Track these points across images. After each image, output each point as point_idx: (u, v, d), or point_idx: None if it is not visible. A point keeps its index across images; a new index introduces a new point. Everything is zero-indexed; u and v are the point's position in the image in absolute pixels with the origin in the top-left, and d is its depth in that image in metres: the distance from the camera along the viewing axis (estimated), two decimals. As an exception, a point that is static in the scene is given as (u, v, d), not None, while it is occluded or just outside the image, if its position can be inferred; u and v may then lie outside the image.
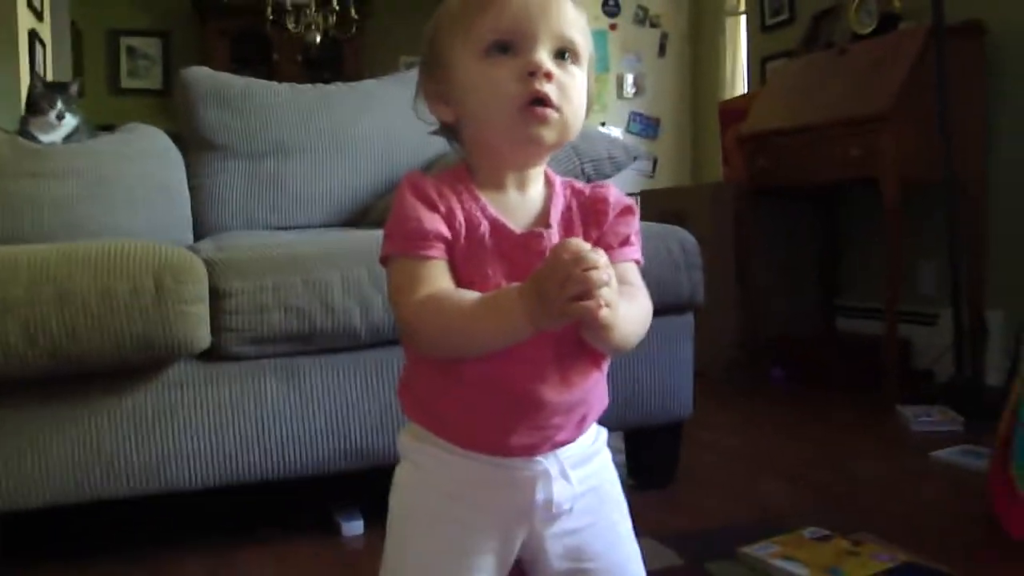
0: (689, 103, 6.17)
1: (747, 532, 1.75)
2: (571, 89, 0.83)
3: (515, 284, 0.76)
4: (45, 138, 2.35)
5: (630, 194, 4.29)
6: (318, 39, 6.10)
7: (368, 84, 2.79)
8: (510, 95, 0.81)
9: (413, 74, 3.00)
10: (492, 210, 0.84)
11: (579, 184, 0.91)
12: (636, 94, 6.09)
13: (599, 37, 5.54)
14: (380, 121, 2.64)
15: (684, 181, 6.07)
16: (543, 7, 0.82)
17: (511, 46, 0.82)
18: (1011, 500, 1.70)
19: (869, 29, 3.32)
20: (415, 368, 0.89)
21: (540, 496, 0.85)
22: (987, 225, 3.10)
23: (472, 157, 0.88)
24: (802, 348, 3.55)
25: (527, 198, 0.88)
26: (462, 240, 0.82)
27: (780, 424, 2.83)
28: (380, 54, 7.14)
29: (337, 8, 5.93)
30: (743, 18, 5.16)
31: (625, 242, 0.89)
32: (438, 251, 0.82)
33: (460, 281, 0.82)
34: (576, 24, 0.84)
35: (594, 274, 0.70)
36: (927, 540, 1.73)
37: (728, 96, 5.63)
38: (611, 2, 6.00)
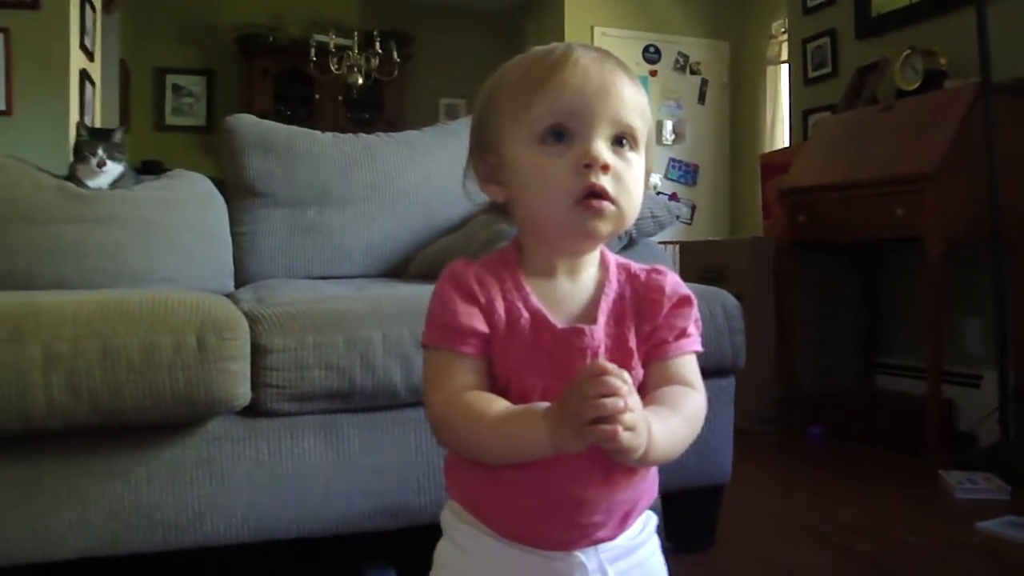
0: (728, 151, 6.18)
1: (787, 604, 1.72)
2: (628, 179, 0.81)
3: (542, 403, 0.74)
4: (92, 183, 2.38)
5: (668, 243, 4.28)
6: (360, 80, 6.18)
7: (410, 135, 2.80)
8: (565, 188, 0.79)
9: (454, 125, 3.00)
10: (535, 301, 0.82)
11: (635, 267, 0.89)
12: (675, 141, 6.11)
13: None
14: (421, 171, 2.65)
15: (722, 228, 6.06)
16: (603, 89, 0.80)
17: (567, 132, 0.80)
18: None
19: (914, 86, 3.30)
20: (455, 455, 0.88)
21: None
22: (1034, 286, 3.05)
23: (523, 239, 0.86)
24: (841, 406, 3.49)
25: (578, 285, 0.85)
26: (501, 332, 0.81)
27: (819, 485, 2.78)
28: (421, 96, 7.21)
29: (380, 51, 6.01)
30: (785, 69, 5.16)
31: (682, 334, 0.86)
32: (471, 347, 0.80)
33: (498, 374, 0.81)
34: (636, 108, 0.82)
35: (609, 402, 0.68)
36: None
37: (768, 146, 5.64)
38: (652, 48, 6.03)
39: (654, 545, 0.91)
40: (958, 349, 3.30)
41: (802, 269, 3.57)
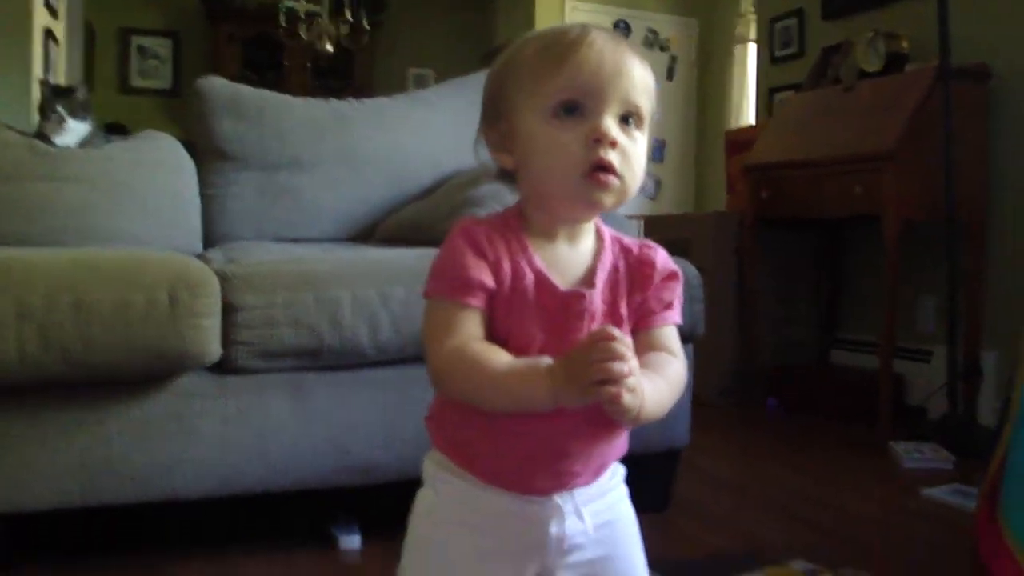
0: (695, 128, 6.22)
1: (738, 563, 1.78)
2: (633, 155, 0.85)
3: (545, 358, 0.79)
4: (59, 141, 2.37)
5: (633, 217, 4.34)
6: (329, 48, 6.13)
7: (380, 102, 2.82)
8: (574, 160, 0.83)
9: (425, 93, 3.03)
10: (539, 262, 0.86)
11: (627, 240, 0.94)
12: (642, 116, 6.11)
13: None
14: (391, 138, 2.68)
15: (687, 203, 6.12)
16: (616, 69, 0.84)
17: (580, 107, 0.84)
18: (998, 545, 1.73)
19: (877, 67, 3.36)
20: (447, 404, 0.91)
21: (553, 531, 0.88)
22: (985, 266, 3.14)
23: (527, 205, 0.90)
24: (798, 379, 3.58)
25: (577, 251, 0.90)
26: (506, 289, 0.85)
27: (774, 455, 2.86)
28: (390, 65, 7.19)
29: (350, 18, 5.97)
30: (753, 49, 5.21)
31: (668, 307, 0.92)
32: (478, 300, 0.84)
33: (497, 329, 0.85)
34: (644, 89, 0.86)
35: (616, 366, 0.73)
36: (915, 579, 1.77)
37: (734, 124, 5.69)
38: (622, 24, 6.05)
39: (623, 492, 0.97)
40: (912, 326, 3.39)
41: (764, 245, 3.64)
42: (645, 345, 0.90)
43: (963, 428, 2.87)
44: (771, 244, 3.69)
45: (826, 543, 1.99)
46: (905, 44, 3.36)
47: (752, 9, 5.38)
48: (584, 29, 0.87)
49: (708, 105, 6.18)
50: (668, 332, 0.92)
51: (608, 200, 0.85)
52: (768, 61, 4.48)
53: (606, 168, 0.83)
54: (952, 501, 2.29)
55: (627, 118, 0.86)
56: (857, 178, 3.07)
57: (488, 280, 0.84)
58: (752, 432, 3.25)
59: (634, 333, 0.91)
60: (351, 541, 1.89)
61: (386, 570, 1.75)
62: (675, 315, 0.93)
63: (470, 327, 0.84)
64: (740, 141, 4.36)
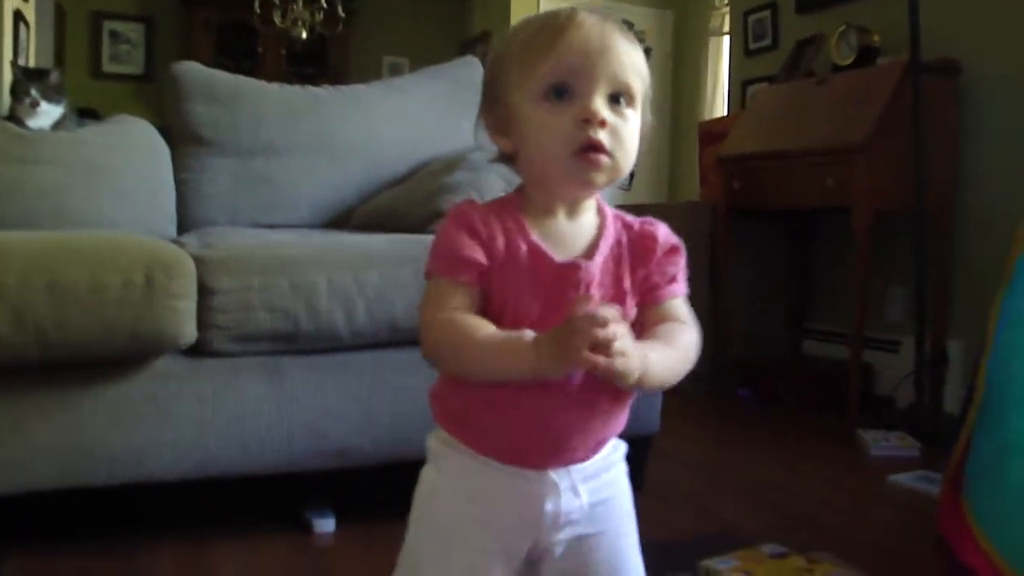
0: (669, 119, 6.25)
1: (708, 546, 1.81)
2: (624, 134, 0.87)
3: (530, 332, 0.81)
4: (32, 124, 2.36)
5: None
6: (304, 35, 6.10)
7: (356, 88, 2.82)
8: (565, 141, 0.85)
9: (400, 80, 3.04)
10: (535, 237, 0.88)
11: (629, 218, 0.96)
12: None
13: (584, 50, 5.60)
14: (367, 125, 2.68)
15: (660, 195, 6.15)
16: (602, 51, 0.86)
17: (569, 89, 0.86)
18: (961, 527, 1.77)
19: (848, 61, 3.40)
20: (446, 380, 0.94)
21: (549, 507, 0.90)
22: (953, 257, 3.19)
23: (527, 185, 0.93)
24: (768, 369, 3.62)
25: (579, 226, 0.92)
26: (499, 263, 0.87)
27: (745, 442, 2.90)
28: (364, 53, 7.16)
29: (325, 5, 5.94)
30: (727, 41, 5.24)
31: (672, 280, 0.94)
32: (469, 277, 0.86)
33: (494, 302, 0.87)
34: (633, 67, 0.88)
35: (600, 332, 0.75)
36: (880, 561, 1.80)
37: (708, 116, 5.72)
38: (597, 15, 6.04)
39: (622, 468, 0.99)
40: (881, 317, 3.44)
41: (737, 236, 3.68)
42: (655, 318, 0.93)
43: (929, 417, 2.92)
44: (744, 235, 3.72)
45: (796, 527, 2.03)
46: (876, 38, 3.40)
47: (726, 2, 5.41)
48: (572, 12, 0.88)
49: (682, 96, 6.21)
50: (676, 304, 0.95)
51: (600, 179, 0.87)
52: (742, 53, 4.52)
53: (596, 147, 0.85)
54: (918, 487, 2.33)
55: (617, 97, 0.87)
56: (829, 170, 3.11)
57: (480, 257, 0.86)
58: (724, 420, 3.29)
59: (643, 308, 0.93)
60: (325, 524, 1.90)
61: (361, 554, 1.78)
62: (680, 287, 0.95)
63: (460, 301, 0.86)
64: (714, 132, 4.39)
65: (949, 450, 1.92)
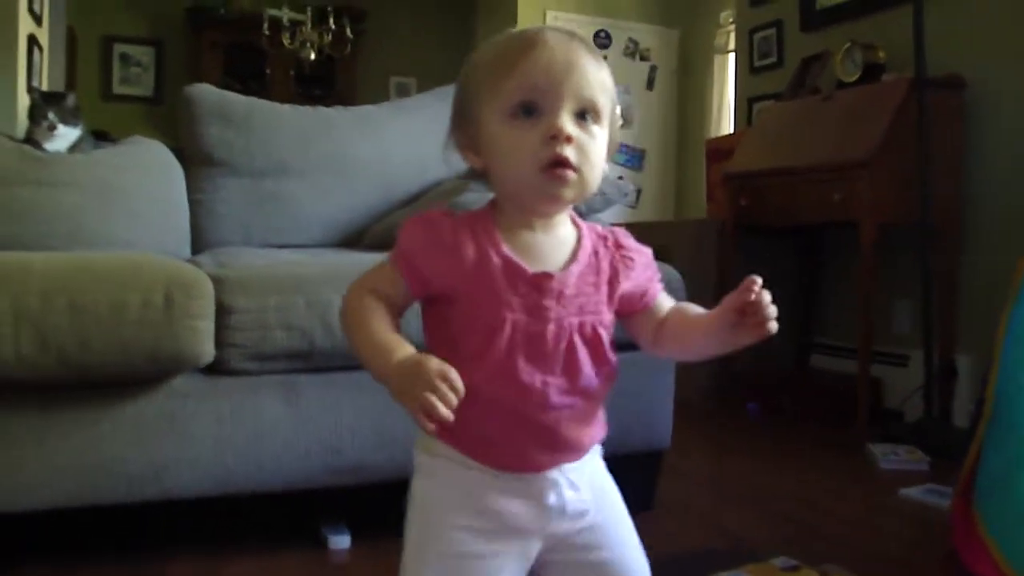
0: (675, 137, 6.28)
1: (720, 560, 1.82)
2: (590, 150, 0.90)
3: (407, 348, 0.86)
4: (49, 146, 2.39)
5: (615, 224, 4.39)
6: (312, 56, 6.17)
7: (366, 109, 2.85)
8: (533, 157, 0.88)
9: (409, 101, 3.06)
10: (507, 249, 0.91)
11: (600, 228, 0.99)
12: (623, 126, 6.17)
13: (590, 68, 5.66)
14: (377, 145, 2.71)
15: (667, 212, 6.18)
16: (567, 70, 0.88)
17: (536, 107, 0.88)
18: (972, 538, 1.78)
19: (854, 77, 3.43)
20: None
21: (552, 501, 0.93)
22: (960, 271, 3.21)
23: (500, 200, 0.95)
24: (776, 384, 3.64)
25: (555, 238, 0.95)
26: (468, 268, 0.90)
27: (754, 456, 2.91)
28: (372, 74, 7.22)
29: (333, 27, 6.00)
30: (732, 58, 5.28)
31: (652, 279, 1.00)
32: (407, 272, 0.91)
33: (462, 312, 0.90)
34: (598, 84, 0.90)
35: (435, 404, 0.79)
36: (891, 574, 1.81)
37: (714, 133, 5.75)
38: (603, 34, 6.11)
39: (599, 460, 1.03)
40: (889, 331, 3.46)
41: (744, 251, 3.70)
42: (659, 315, 1.00)
43: (938, 430, 2.93)
44: (751, 251, 3.74)
45: (806, 540, 2.04)
46: (882, 54, 3.43)
47: (731, 20, 5.45)
48: (538, 31, 0.91)
49: (688, 114, 6.25)
50: (664, 295, 1.02)
51: (568, 194, 0.90)
52: (747, 71, 4.55)
53: (563, 163, 0.88)
54: (927, 500, 2.34)
55: (584, 114, 0.90)
56: (835, 186, 3.14)
57: (432, 262, 0.90)
58: (733, 434, 3.29)
59: (643, 311, 0.99)
60: (341, 541, 1.92)
61: (375, 570, 1.79)
62: (660, 285, 1.02)
63: (385, 286, 0.92)
64: (720, 150, 4.42)
65: (959, 463, 1.94)
